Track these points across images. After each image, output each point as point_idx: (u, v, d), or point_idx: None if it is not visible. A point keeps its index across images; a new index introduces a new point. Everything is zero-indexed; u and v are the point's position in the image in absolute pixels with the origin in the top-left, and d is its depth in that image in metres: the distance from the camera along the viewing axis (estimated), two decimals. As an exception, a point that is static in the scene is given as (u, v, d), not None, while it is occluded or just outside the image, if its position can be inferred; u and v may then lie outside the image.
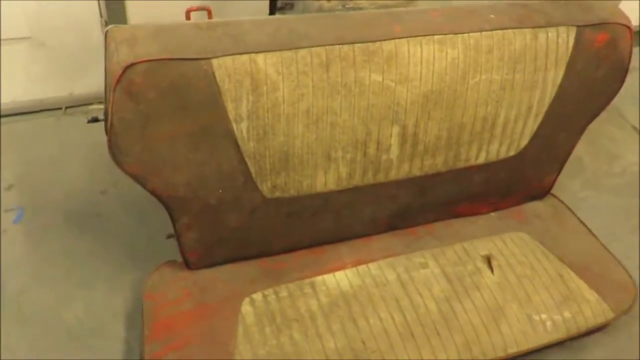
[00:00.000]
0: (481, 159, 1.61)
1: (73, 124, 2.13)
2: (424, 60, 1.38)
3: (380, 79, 1.35)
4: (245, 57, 1.22)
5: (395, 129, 1.44)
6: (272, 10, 1.74)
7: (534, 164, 1.73)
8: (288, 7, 1.54)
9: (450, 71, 1.41)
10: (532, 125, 1.61)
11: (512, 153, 1.65)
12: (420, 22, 1.39)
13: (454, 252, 1.68)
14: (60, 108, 2.14)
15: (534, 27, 1.47)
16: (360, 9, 1.36)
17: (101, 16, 1.95)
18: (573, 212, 1.88)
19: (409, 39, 1.35)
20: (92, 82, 2.11)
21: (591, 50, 1.55)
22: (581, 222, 1.85)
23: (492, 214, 1.84)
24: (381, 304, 1.52)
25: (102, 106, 2.18)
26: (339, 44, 1.29)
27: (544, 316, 1.57)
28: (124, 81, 1.15)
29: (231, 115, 1.26)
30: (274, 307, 1.47)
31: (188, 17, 1.20)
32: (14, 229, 1.76)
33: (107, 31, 1.18)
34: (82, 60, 2.05)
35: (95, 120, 1.29)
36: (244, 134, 1.29)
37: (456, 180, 1.64)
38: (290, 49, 1.26)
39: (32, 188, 1.89)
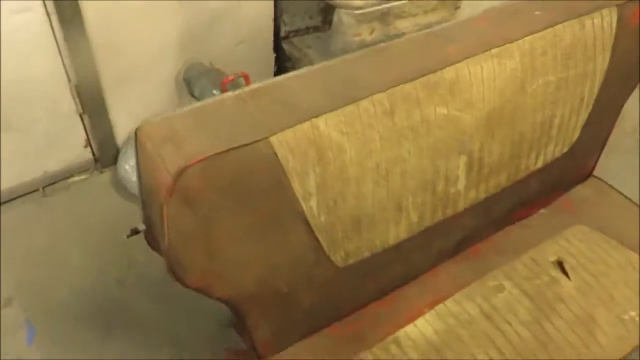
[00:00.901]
0: (539, 164, 1.47)
1: (56, 204, 1.84)
2: (485, 79, 1.20)
3: (445, 111, 1.17)
4: (306, 125, 1.01)
5: (462, 159, 1.27)
6: (277, 42, 1.51)
7: (582, 152, 1.62)
8: (318, 29, 1.30)
9: (510, 84, 1.25)
10: (583, 118, 1.48)
11: (565, 149, 1.52)
12: (471, 36, 1.22)
13: (524, 265, 1.55)
14: (37, 190, 1.84)
15: (580, 16, 1.33)
16: (403, 33, 1.17)
17: (69, 80, 1.65)
18: (616, 190, 1.79)
19: (467, 60, 1.17)
20: (68, 154, 1.82)
21: (632, 27, 1.42)
22: (627, 197, 1.77)
23: (542, 210, 1.72)
24: (473, 345, 1.37)
25: (84, 176, 1.90)
26: (400, 84, 1.10)
27: (632, 313, 1.47)
28: (178, 190, 0.91)
29: (299, 194, 1.05)
30: (366, 379, 1.30)
31: (224, 89, 0.97)
32: (29, 353, 1.49)
33: (137, 130, 0.94)
34: (53, 133, 1.75)
35: (135, 232, 1.05)
36: (314, 210, 1.09)
37: (515, 191, 1.50)
38: (351, 103, 1.05)
39: (36, 294, 1.61)
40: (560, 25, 1.29)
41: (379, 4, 1.09)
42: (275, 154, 0.99)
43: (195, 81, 1.80)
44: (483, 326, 1.41)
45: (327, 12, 1.40)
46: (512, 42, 1.22)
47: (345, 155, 1.08)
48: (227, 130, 0.97)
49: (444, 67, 1.15)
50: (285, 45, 1.44)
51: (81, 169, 1.85)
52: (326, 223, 1.13)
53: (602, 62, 1.41)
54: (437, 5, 1.19)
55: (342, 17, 1.09)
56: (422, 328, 1.41)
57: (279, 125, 1.00)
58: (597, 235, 1.63)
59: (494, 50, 1.20)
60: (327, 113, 1.03)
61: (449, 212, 1.35)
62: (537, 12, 1.30)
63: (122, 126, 1.83)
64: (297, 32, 1.46)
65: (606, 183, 1.80)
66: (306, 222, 1.10)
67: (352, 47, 1.11)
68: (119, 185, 1.84)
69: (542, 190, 1.61)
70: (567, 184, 1.71)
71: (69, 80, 1.65)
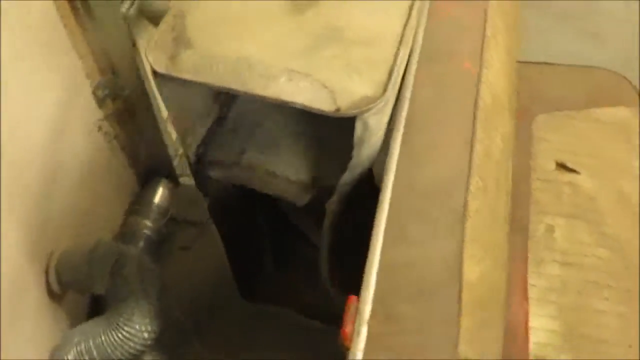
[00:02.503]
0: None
1: None
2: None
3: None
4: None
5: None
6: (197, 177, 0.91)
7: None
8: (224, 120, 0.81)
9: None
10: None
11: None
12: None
13: (541, 192, 1.35)
14: None
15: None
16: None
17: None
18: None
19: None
20: None
21: None
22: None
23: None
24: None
25: None
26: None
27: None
28: None
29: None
30: None
31: None
32: None
33: None
34: None
35: None
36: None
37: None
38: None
39: None
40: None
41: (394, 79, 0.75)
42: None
43: (88, 280, 1.15)
44: (577, 276, 1.31)
45: (221, 93, 0.92)
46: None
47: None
48: None
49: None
50: (213, 172, 0.90)
51: None
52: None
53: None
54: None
55: (367, 122, 0.75)
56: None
57: None
58: (562, 116, 1.54)
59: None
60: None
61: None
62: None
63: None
64: (206, 143, 0.91)
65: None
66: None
67: (377, 147, 0.77)
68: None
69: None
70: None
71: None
